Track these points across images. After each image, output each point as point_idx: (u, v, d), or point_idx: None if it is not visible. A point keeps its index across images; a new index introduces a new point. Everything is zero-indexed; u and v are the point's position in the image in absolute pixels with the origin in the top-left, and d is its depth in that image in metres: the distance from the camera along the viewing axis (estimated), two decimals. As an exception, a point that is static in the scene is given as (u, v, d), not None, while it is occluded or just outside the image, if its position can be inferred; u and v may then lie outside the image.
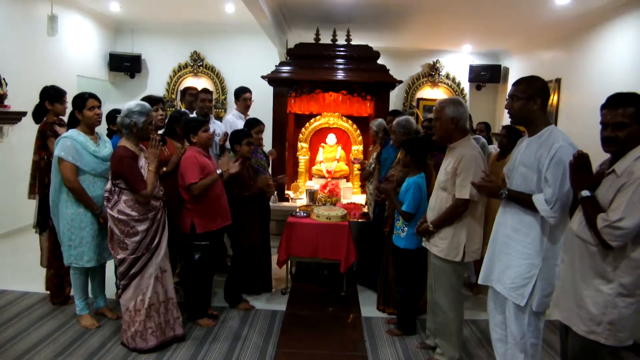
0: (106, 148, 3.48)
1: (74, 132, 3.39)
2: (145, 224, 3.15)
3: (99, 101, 3.51)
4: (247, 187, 3.92)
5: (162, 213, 3.29)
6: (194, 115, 4.63)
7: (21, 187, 4.05)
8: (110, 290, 3.94)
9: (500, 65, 8.73)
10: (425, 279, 3.38)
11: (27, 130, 3.87)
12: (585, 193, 2.11)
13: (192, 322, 3.66)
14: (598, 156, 2.24)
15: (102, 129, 3.67)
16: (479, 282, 2.83)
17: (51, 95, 3.76)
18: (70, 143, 3.31)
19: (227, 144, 4.68)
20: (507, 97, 2.63)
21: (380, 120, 4.85)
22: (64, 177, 3.31)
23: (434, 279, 3.17)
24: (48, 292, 3.94)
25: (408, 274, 3.53)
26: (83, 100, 3.42)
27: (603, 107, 2.14)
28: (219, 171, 3.54)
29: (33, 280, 3.99)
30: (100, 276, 3.74)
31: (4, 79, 5.37)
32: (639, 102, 2.03)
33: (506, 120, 5.95)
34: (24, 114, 5.51)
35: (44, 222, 3.79)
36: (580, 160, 2.13)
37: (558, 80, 6.62)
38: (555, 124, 4.86)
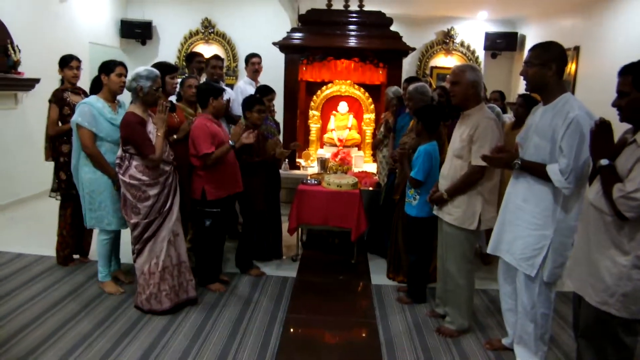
0: None
1: (92, 98, 3.43)
2: (156, 188, 3.18)
3: (127, 70, 3.52)
4: (257, 154, 3.92)
5: (173, 177, 3.33)
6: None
7: (36, 152, 4.09)
8: (125, 256, 3.99)
9: (516, 33, 8.48)
10: (435, 248, 3.38)
11: (40, 97, 3.92)
12: (604, 162, 2.04)
13: (204, 287, 3.71)
14: (616, 127, 2.19)
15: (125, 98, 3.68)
16: (488, 251, 2.83)
17: (60, 61, 3.88)
18: (88, 109, 3.34)
19: (232, 111, 4.68)
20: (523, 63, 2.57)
21: (396, 87, 4.78)
22: (82, 143, 3.36)
23: (445, 247, 3.16)
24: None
25: (418, 243, 3.53)
26: (113, 65, 3.46)
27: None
28: (231, 142, 3.53)
29: (49, 244, 4.06)
30: (115, 240, 3.78)
31: (17, 45, 5.36)
32: (637, 70, 1.99)
33: (522, 89, 5.84)
34: (37, 80, 5.54)
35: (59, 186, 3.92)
36: (602, 128, 2.06)
37: (577, 48, 6.43)
38: (573, 93, 4.76)
